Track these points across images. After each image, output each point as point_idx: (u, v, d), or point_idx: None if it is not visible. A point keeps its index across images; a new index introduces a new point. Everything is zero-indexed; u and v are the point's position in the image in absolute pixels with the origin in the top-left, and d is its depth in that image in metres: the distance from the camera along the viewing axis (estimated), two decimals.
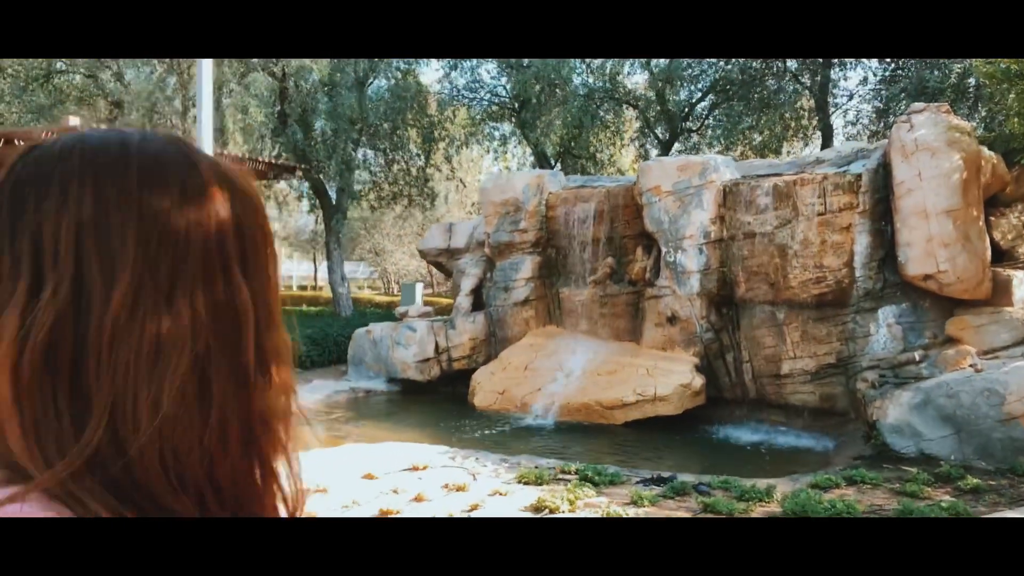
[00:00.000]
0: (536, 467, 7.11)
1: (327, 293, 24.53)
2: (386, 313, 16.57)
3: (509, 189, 12.12)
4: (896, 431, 7.77)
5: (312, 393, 11.06)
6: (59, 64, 18.47)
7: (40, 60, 17.41)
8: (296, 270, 40.28)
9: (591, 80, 17.81)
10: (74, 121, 9.81)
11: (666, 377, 9.94)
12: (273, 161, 13.56)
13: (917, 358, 8.75)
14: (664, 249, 10.66)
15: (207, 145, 4.55)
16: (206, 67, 4.35)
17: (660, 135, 19.15)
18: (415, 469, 6.93)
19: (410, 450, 7.55)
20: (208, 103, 4.41)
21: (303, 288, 34.85)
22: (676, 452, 8.74)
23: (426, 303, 23.18)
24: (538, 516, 5.57)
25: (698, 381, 9.90)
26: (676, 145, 19.09)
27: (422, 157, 18.08)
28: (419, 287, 21.55)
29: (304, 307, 22.11)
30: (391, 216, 28.07)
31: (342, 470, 6.84)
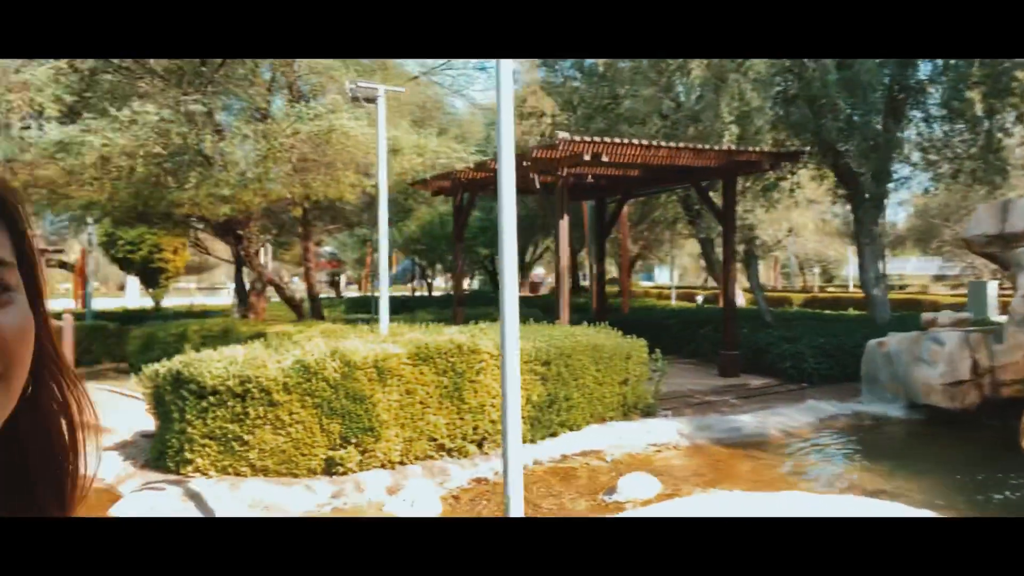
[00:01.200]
0: None
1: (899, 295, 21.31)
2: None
3: None
4: None
5: (801, 415, 9.40)
6: (620, 90, 20.15)
7: (604, 92, 19.04)
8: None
9: None
10: (562, 134, 10.44)
11: None
12: (766, 149, 12.17)
13: None
14: None
15: (507, 142, 4.34)
16: (504, 66, 4.26)
17: None
18: None
19: (860, 509, 5.62)
20: (508, 98, 4.26)
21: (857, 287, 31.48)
22: None
23: (1004, 306, 18.26)
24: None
25: None
26: None
27: (987, 120, 14.04)
28: (992, 287, 17.15)
29: (850, 310, 19.73)
30: (975, 198, 23.13)
31: None
